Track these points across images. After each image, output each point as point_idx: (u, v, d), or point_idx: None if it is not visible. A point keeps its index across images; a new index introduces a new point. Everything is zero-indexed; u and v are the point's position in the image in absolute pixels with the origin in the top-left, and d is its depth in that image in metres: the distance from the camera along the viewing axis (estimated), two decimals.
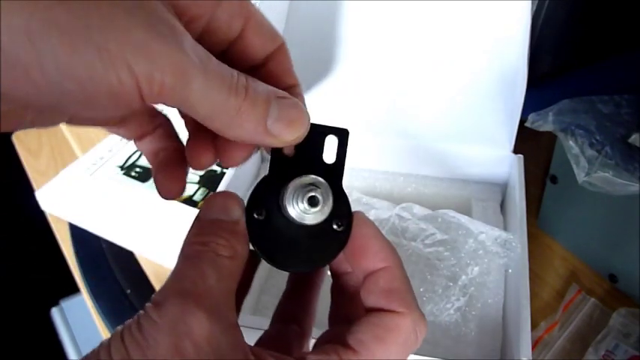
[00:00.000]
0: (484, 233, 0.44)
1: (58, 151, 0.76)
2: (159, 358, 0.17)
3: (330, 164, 0.23)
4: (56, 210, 0.61)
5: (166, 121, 0.26)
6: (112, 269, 0.60)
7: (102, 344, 0.18)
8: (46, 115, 0.21)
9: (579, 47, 0.63)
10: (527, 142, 0.50)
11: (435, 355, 0.34)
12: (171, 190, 0.24)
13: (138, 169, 0.63)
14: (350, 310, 0.23)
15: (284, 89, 0.22)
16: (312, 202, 0.21)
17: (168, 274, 0.20)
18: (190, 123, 0.25)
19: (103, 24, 0.16)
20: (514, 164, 0.48)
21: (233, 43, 0.23)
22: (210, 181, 0.61)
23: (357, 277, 0.23)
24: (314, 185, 0.22)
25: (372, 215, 0.47)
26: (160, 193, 0.24)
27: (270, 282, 0.47)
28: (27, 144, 0.78)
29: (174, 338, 0.18)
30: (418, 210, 0.47)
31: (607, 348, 0.45)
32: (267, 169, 0.23)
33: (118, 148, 0.67)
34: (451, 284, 0.43)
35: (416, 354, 0.35)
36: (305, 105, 0.22)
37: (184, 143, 0.25)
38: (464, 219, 0.45)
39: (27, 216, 0.71)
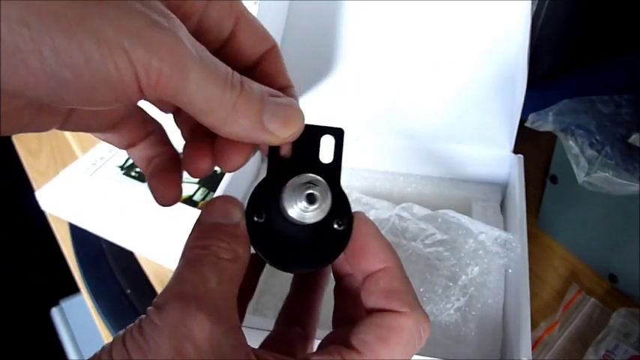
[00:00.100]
0: (484, 233, 0.44)
1: (58, 151, 0.76)
2: None
3: (327, 164, 0.23)
4: (56, 210, 0.61)
5: (159, 128, 0.26)
6: (112, 269, 0.60)
7: (104, 348, 0.18)
8: (42, 116, 0.21)
9: (579, 47, 0.63)
10: (527, 142, 0.50)
11: (435, 355, 0.34)
12: (166, 195, 0.24)
13: (138, 169, 0.63)
14: (353, 311, 0.23)
15: (278, 90, 0.22)
16: (311, 199, 0.21)
17: (168, 274, 0.20)
18: (187, 130, 0.25)
19: (100, 12, 0.16)
20: (514, 164, 0.48)
21: (225, 44, 0.23)
22: (210, 181, 0.61)
23: (358, 279, 0.23)
24: (311, 183, 0.22)
25: (372, 215, 0.47)
26: (155, 199, 0.24)
27: (270, 282, 0.47)
28: (27, 144, 0.78)
29: (176, 341, 0.18)
30: (418, 210, 0.47)
31: (607, 348, 0.45)
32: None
33: None
34: (451, 284, 0.43)
35: (416, 354, 0.35)
36: (299, 105, 0.22)
37: (178, 151, 0.25)
38: (464, 219, 0.45)
39: (27, 216, 0.71)
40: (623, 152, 0.41)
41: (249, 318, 0.38)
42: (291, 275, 0.29)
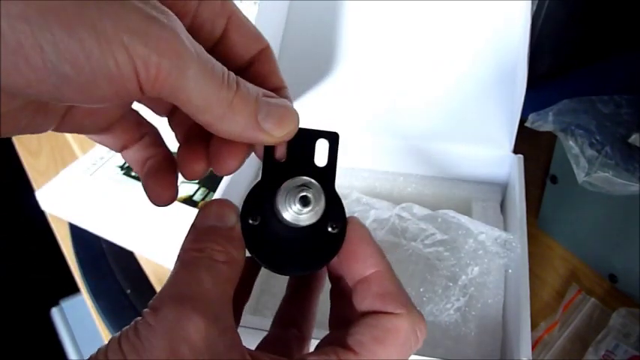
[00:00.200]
0: (484, 233, 0.44)
1: (58, 151, 0.76)
2: None
3: (322, 167, 0.23)
4: (56, 210, 0.61)
5: (153, 130, 0.26)
6: (112, 269, 0.60)
7: (99, 349, 0.18)
8: (39, 117, 0.21)
9: (579, 47, 0.63)
10: (527, 142, 0.50)
11: (435, 355, 0.34)
12: (162, 195, 0.24)
13: None
14: (350, 313, 0.23)
15: (271, 91, 0.22)
16: (304, 202, 0.21)
17: (168, 274, 0.20)
18: (181, 133, 0.25)
19: (99, 8, 0.16)
20: (514, 164, 0.48)
21: (217, 44, 0.23)
22: (210, 181, 0.61)
23: (351, 280, 0.23)
24: (305, 186, 0.22)
25: (372, 215, 0.47)
26: (150, 199, 0.24)
27: (270, 282, 0.47)
28: (27, 144, 0.78)
29: (171, 341, 0.18)
30: (418, 210, 0.47)
31: (607, 348, 0.45)
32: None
33: None
34: (451, 284, 0.43)
35: (416, 354, 0.35)
36: (293, 106, 0.22)
37: (173, 153, 0.25)
38: (464, 219, 0.45)
39: (27, 216, 0.71)
40: (623, 152, 0.41)
41: (248, 318, 0.38)
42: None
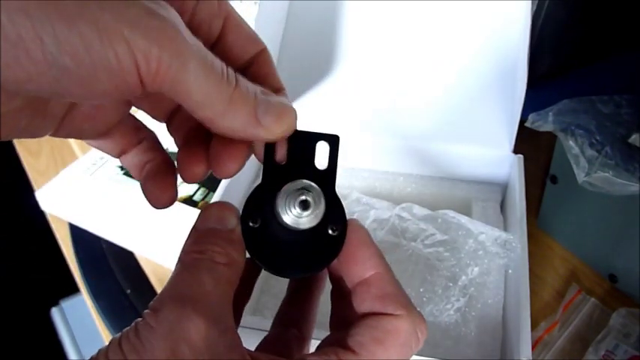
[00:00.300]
0: (484, 233, 0.44)
1: (58, 151, 0.76)
2: None
3: (322, 170, 0.23)
4: (56, 210, 0.61)
5: (151, 135, 0.26)
6: (112, 269, 0.60)
7: (100, 351, 0.18)
8: (38, 119, 0.21)
9: (579, 47, 0.63)
10: (527, 142, 0.50)
11: (435, 355, 0.34)
12: (161, 198, 0.24)
13: None
14: (350, 314, 0.23)
15: None
16: (304, 205, 0.21)
17: (168, 274, 0.20)
18: (180, 137, 0.25)
19: (100, 1, 0.16)
20: (514, 164, 0.48)
21: (214, 45, 0.23)
22: (210, 181, 0.61)
23: (350, 282, 0.23)
24: (305, 189, 0.22)
25: (372, 215, 0.47)
26: (150, 202, 0.24)
27: (270, 282, 0.47)
28: (27, 144, 0.78)
29: (171, 342, 0.18)
30: (418, 210, 0.47)
31: (607, 348, 0.45)
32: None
33: None
34: (451, 284, 0.43)
35: (416, 354, 0.35)
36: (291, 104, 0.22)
37: (172, 154, 0.25)
38: (464, 219, 0.45)
39: (27, 216, 0.71)
40: (623, 152, 0.41)
41: (248, 318, 0.38)
42: None
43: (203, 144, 0.23)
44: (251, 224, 0.22)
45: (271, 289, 0.46)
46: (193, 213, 0.57)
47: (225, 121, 0.20)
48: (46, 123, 0.21)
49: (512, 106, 0.49)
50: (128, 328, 0.19)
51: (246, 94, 0.20)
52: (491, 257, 0.43)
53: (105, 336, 0.56)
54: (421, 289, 0.43)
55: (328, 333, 0.25)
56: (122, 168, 0.63)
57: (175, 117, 0.25)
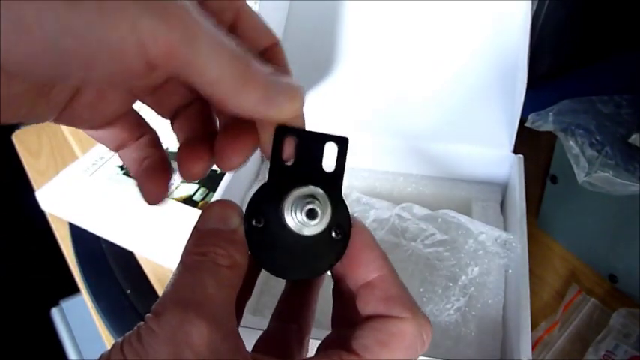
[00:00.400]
0: (484, 233, 0.44)
1: (58, 151, 0.76)
2: None
3: (329, 173, 0.23)
4: (56, 210, 0.61)
5: (151, 131, 0.26)
6: (112, 269, 0.60)
7: (102, 356, 0.18)
8: (40, 104, 0.20)
9: (579, 47, 0.63)
10: (527, 142, 0.50)
11: (435, 355, 0.34)
12: (154, 194, 0.24)
13: None
14: (353, 312, 0.23)
15: None
16: (311, 215, 0.21)
17: (168, 274, 0.20)
18: (184, 135, 0.24)
19: None
20: (514, 164, 0.48)
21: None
22: (210, 181, 0.61)
23: (354, 284, 0.23)
24: (312, 197, 0.22)
25: (372, 215, 0.47)
26: (144, 197, 0.24)
27: (270, 282, 0.47)
28: (27, 144, 0.78)
29: (174, 347, 0.18)
30: (418, 210, 0.47)
31: (607, 348, 0.45)
32: (267, 170, 0.23)
33: None
34: (451, 284, 0.43)
35: None
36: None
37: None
38: (464, 219, 0.45)
39: (27, 216, 0.71)
40: (623, 152, 0.41)
41: (248, 318, 0.38)
42: None
43: (206, 142, 0.23)
44: (254, 224, 0.22)
45: (271, 289, 0.46)
46: (193, 213, 0.57)
47: (237, 101, 0.19)
48: (48, 109, 0.21)
49: (512, 106, 0.49)
50: (130, 332, 0.18)
51: (258, 73, 0.20)
52: (491, 257, 0.43)
53: (105, 336, 0.56)
54: (421, 289, 0.43)
55: (328, 332, 0.25)
56: (122, 168, 0.63)
57: (180, 114, 0.25)
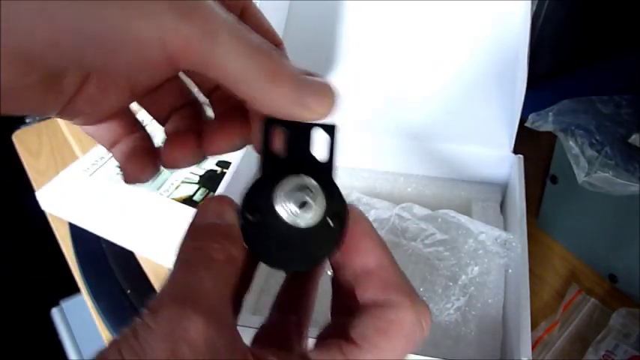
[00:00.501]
0: (484, 233, 0.44)
1: (58, 151, 0.76)
2: None
3: (321, 162, 0.23)
4: (56, 210, 0.61)
5: (144, 129, 0.26)
6: (112, 269, 0.60)
7: (98, 353, 0.18)
8: (48, 95, 0.20)
9: (579, 47, 0.63)
10: (527, 142, 0.50)
11: (435, 355, 0.34)
12: (134, 173, 0.24)
13: None
14: (352, 301, 0.23)
15: None
16: (304, 206, 0.21)
17: (168, 274, 0.20)
18: (173, 130, 0.24)
19: None
20: (514, 164, 0.48)
21: None
22: (210, 181, 0.61)
23: (352, 273, 0.23)
24: (305, 187, 0.21)
25: (372, 215, 0.47)
26: (123, 176, 0.24)
27: (270, 282, 0.47)
28: (27, 144, 0.78)
29: (171, 343, 0.17)
30: (418, 210, 0.47)
31: (607, 348, 0.45)
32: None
33: None
34: (451, 284, 0.43)
35: (416, 354, 0.35)
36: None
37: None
38: (464, 219, 0.45)
39: (27, 216, 0.71)
40: (623, 152, 0.41)
41: (248, 318, 0.38)
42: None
43: (193, 133, 0.23)
44: (249, 218, 0.22)
45: (271, 289, 0.46)
46: (193, 213, 0.57)
47: (267, 99, 0.19)
48: (57, 101, 0.21)
49: (512, 106, 0.49)
50: (126, 329, 0.18)
51: (288, 71, 0.19)
52: (491, 257, 0.43)
53: (105, 336, 0.56)
54: (421, 289, 0.43)
55: (328, 323, 0.25)
56: None
57: (172, 115, 0.25)
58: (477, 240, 0.44)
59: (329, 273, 0.25)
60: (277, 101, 0.20)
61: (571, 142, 0.43)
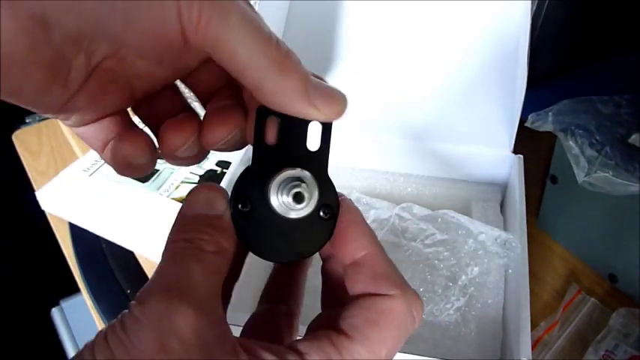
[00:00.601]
0: (484, 233, 0.44)
1: (58, 151, 0.76)
2: (144, 357, 0.17)
3: (314, 152, 0.23)
4: (56, 210, 0.61)
5: (138, 129, 0.25)
6: (112, 269, 0.60)
7: (86, 346, 0.18)
8: (59, 84, 0.20)
9: (579, 47, 0.63)
10: (527, 142, 0.50)
11: (435, 355, 0.34)
12: (123, 161, 0.24)
13: None
14: (342, 292, 0.23)
15: None
16: (298, 198, 0.21)
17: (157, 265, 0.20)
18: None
19: None
20: (514, 164, 0.48)
21: None
22: (210, 181, 0.61)
23: (342, 263, 0.23)
24: (299, 180, 0.21)
25: (372, 215, 0.47)
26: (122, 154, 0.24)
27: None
28: (27, 144, 0.78)
29: (159, 335, 0.17)
30: (418, 210, 0.47)
31: (607, 348, 0.45)
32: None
33: None
34: (451, 284, 0.43)
35: (416, 354, 0.35)
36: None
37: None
38: (464, 219, 0.45)
39: (27, 216, 0.71)
40: (623, 152, 0.41)
41: (245, 317, 0.38)
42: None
43: (189, 120, 0.23)
44: (240, 207, 0.22)
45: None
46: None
47: (275, 90, 0.19)
48: (60, 95, 0.21)
49: (512, 106, 0.49)
50: (114, 321, 0.18)
51: (297, 66, 0.19)
52: (491, 257, 0.43)
53: None
54: (421, 289, 0.43)
55: (318, 314, 0.24)
56: None
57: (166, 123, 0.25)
58: (476, 240, 0.44)
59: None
60: (285, 95, 0.19)
61: (571, 142, 0.43)
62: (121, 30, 0.18)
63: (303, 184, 0.21)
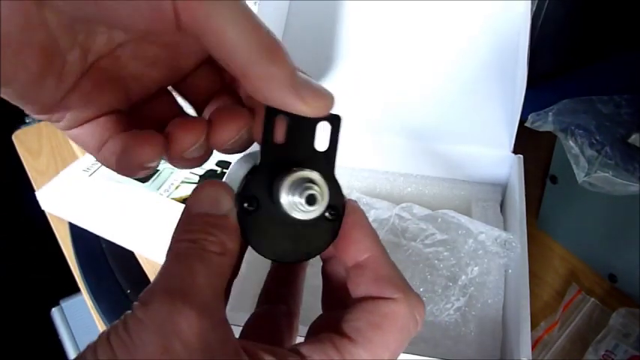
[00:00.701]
0: (484, 233, 0.44)
1: (58, 151, 0.76)
2: (146, 359, 0.17)
3: (322, 152, 0.22)
4: (56, 210, 0.61)
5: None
6: (112, 269, 0.60)
7: (88, 346, 0.17)
8: (53, 76, 0.20)
9: (579, 47, 0.63)
10: (527, 142, 0.50)
11: (435, 355, 0.34)
12: (127, 164, 0.23)
13: None
14: (343, 293, 0.23)
15: None
16: (310, 200, 0.21)
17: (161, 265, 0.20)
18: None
19: None
20: (514, 164, 0.48)
21: None
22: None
23: (344, 265, 0.23)
24: (311, 182, 0.21)
25: (372, 215, 0.47)
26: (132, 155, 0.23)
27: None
28: (27, 144, 0.78)
29: (162, 337, 0.17)
30: (418, 210, 0.47)
31: (607, 348, 0.45)
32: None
33: None
34: (451, 284, 0.43)
35: (416, 354, 0.35)
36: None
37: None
38: (464, 219, 0.45)
39: (27, 216, 0.71)
40: (623, 152, 0.41)
41: (245, 317, 0.38)
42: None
43: (195, 120, 0.23)
44: (246, 206, 0.21)
45: None
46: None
47: (262, 79, 0.19)
48: (54, 90, 0.20)
49: (512, 106, 0.49)
50: (117, 321, 0.18)
51: (286, 57, 0.19)
52: (491, 257, 0.43)
53: None
54: (421, 289, 0.43)
55: (319, 316, 0.24)
56: None
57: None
58: (476, 240, 0.44)
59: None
60: (272, 82, 0.19)
61: (571, 142, 0.43)
62: (114, 7, 0.17)
63: (316, 186, 0.21)
